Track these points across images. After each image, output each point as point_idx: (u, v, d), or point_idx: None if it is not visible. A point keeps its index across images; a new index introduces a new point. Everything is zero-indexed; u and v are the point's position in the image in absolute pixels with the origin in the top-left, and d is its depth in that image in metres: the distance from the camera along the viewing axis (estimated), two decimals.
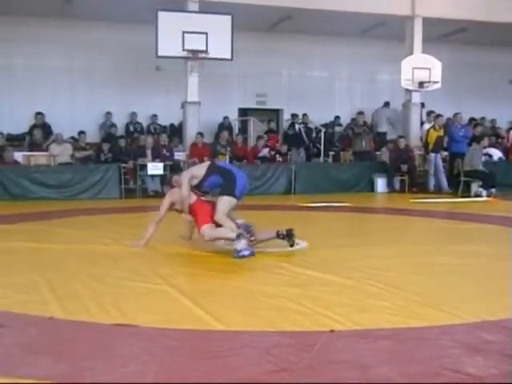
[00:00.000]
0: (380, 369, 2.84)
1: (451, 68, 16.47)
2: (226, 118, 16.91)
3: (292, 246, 6.12)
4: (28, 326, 3.51)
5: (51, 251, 6.06)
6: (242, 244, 5.79)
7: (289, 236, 6.12)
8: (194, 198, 6.32)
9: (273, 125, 17.19)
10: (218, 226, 6.16)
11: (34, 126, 14.71)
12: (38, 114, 14.92)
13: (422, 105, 16.27)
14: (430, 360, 2.95)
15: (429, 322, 3.58)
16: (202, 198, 6.43)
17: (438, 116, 14.39)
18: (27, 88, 15.93)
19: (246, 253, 5.73)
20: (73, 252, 6.00)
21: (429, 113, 15.15)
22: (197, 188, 6.43)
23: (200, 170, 6.56)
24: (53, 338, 3.32)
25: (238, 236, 5.87)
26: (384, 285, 4.49)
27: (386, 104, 17.63)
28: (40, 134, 14.53)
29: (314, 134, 16.81)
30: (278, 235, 6.16)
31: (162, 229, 7.77)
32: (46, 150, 13.81)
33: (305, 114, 16.91)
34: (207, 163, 6.81)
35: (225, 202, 6.21)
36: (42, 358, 2.96)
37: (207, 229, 6.09)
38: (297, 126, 16.69)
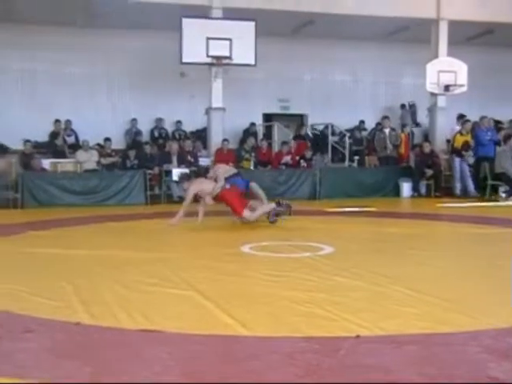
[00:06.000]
0: (406, 374, 2.81)
1: (478, 71, 16.30)
2: (252, 124, 16.91)
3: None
4: (55, 331, 3.55)
5: (78, 257, 6.12)
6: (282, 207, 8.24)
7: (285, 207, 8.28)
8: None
9: (304, 130, 17.08)
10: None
11: (55, 133, 14.91)
12: (57, 121, 15.12)
13: None
14: (456, 365, 2.92)
15: (455, 328, 3.54)
16: (226, 186, 8.49)
17: (466, 121, 14.26)
18: (52, 95, 16.15)
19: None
20: (99, 258, 6.05)
21: (459, 117, 14.98)
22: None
23: (231, 170, 9.33)
24: (80, 343, 3.35)
25: (278, 204, 8.30)
26: (410, 290, 4.46)
27: (404, 106, 17.72)
28: (62, 141, 14.74)
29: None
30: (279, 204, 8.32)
31: (189, 236, 7.85)
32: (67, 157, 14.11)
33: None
34: (234, 169, 9.52)
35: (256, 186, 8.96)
36: (69, 363, 2.99)
37: (248, 215, 8.19)
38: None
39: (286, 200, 8.65)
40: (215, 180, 8.72)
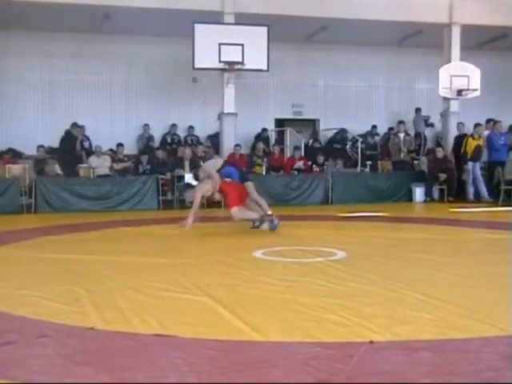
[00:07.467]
0: (420, 381, 2.80)
1: (491, 76, 16.24)
2: (264, 130, 16.93)
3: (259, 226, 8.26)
4: (69, 337, 3.56)
5: (91, 262, 6.13)
6: (265, 226, 8.11)
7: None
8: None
9: (317, 141, 17.22)
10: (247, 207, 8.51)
11: (73, 139, 14.94)
12: (74, 124, 15.14)
13: None
14: (472, 373, 2.90)
15: (470, 334, 3.52)
16: (226, 180, 8.58)
17: (478, 125, 14.18)
18: (67, 102, 16.25)
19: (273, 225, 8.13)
20: (112, 263, 6.06)
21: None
22: None
23: (218, 163, 9.30)
24: (93, 348, 3.35)
25: (261, 219, 8.14)
26: (424, 296, 4.44)
27: (419, 110, 17.61)
28: (79, 146, 14.80)
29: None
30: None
31: (201, 241, 7.86)
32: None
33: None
34: (221, 159, 9.90)
35: (252, 186, 8.83)
36: (83, 369, 2.99)
37: (236, 211, 8.13)
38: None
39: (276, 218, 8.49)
40: (209, 177, 8.77)
